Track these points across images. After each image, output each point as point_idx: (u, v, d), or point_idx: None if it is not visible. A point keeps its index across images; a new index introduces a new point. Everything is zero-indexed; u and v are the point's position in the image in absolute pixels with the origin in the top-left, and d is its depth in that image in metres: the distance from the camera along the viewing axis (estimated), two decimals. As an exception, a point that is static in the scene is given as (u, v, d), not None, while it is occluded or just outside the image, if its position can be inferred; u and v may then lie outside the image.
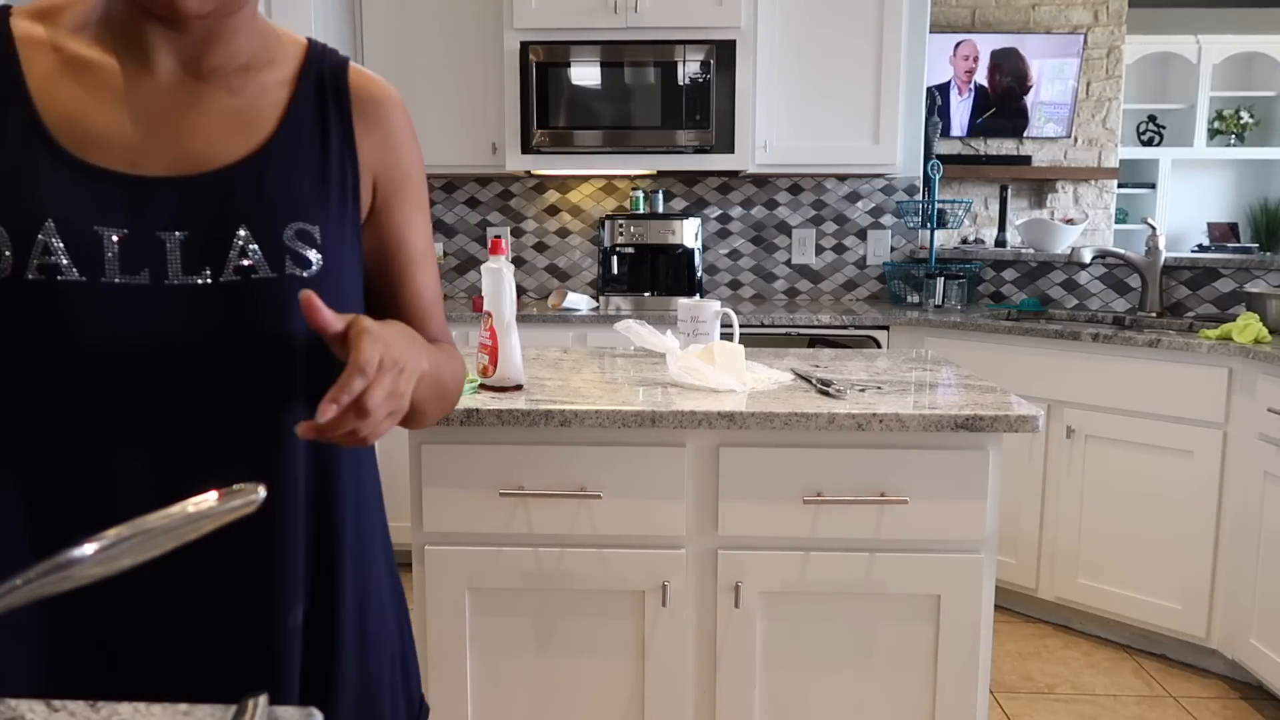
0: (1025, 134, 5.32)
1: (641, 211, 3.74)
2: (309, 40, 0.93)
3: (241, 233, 0.82)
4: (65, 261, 0.76)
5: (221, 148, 0.83)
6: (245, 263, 0.82)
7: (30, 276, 0.75)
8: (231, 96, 0.85)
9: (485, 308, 1.67)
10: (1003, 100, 5.24)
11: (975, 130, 5.32)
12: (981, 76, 5.23)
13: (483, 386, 1.70)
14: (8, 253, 0.75)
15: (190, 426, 0.82)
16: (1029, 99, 5.26)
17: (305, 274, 0.84)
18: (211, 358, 0.82)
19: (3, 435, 0.79)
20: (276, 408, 0.85)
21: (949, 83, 5.22)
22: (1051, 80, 5.25)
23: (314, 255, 0.85)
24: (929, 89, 4.56)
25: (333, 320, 0.77)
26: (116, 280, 0.78)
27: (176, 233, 0.80)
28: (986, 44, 5.22)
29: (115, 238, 0.78)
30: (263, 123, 0.86)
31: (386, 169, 0.93)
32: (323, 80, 0.90)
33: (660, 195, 3.81)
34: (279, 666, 0.88)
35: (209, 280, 0.81)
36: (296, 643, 0.88)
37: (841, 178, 3.90)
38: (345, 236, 0.89)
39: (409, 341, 0.84)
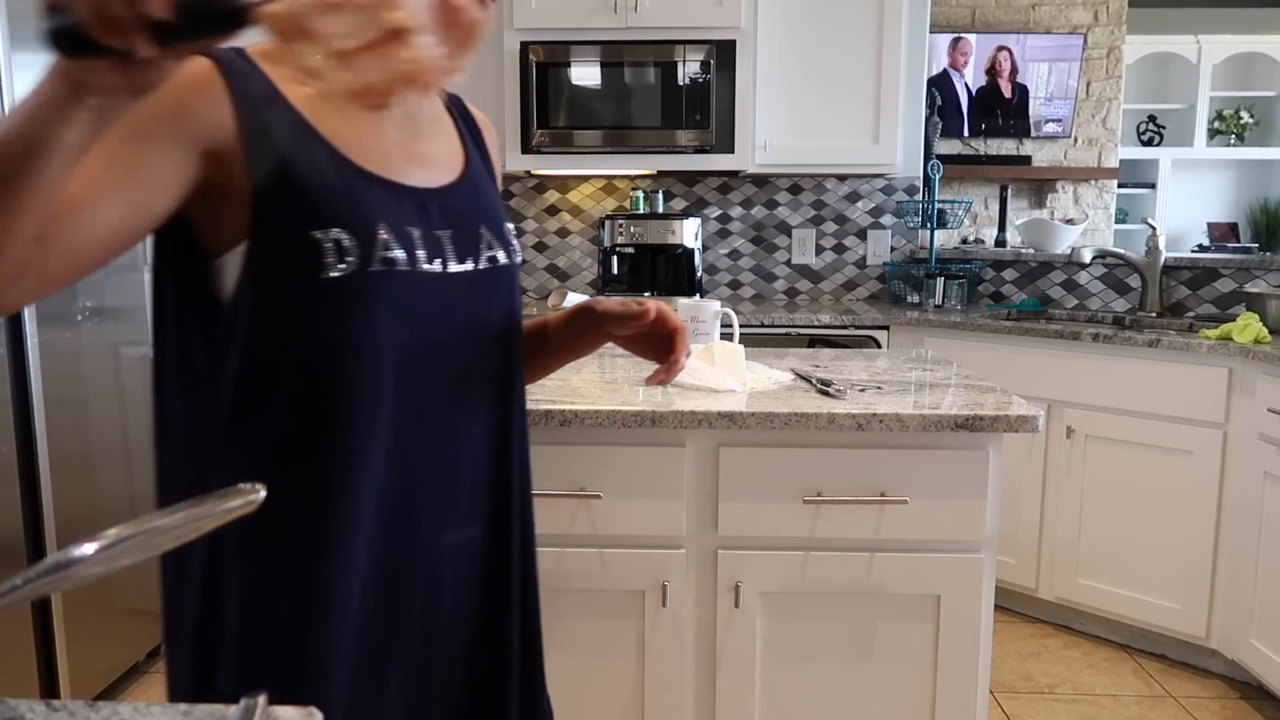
0: (1031, 134, 5.31)
1: (641, 211, 3.74)
2: None
3: (484, 230, 1.00)
4: (401, 254, 0.90)
5: (442, 168, 1.01)
6: (492, 253, 1.01)
7: (374, 269, 0.89)
8: (432, 125, 1.02)
9: (485, 308, 1.67)
10: (994, 95, 5.24)
11: (975, 130, 5.32)
12: (976, 73, 5.23)
13: (483, 386, 1.70)
14: (352, 253, 0.88)
15: (469, 389, 1.00)
16: (1029, 100, 5.25)
17: (519, 262, 1.07)
18: (479, 329, 1.00)
19: (346, 406, 0.90)
20: (513, 365, 1.06)
21: (945, 70, 5.22)
22: (1052, 80, 5.25)
23: (518, 246, 1.07)
24: (929, 87, 4.55)
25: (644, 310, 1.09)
26: (424, 269, 0.93)
27: (447, 231, 0.96)
28: (981, 40, 5.22)
29: (418, 234, 0.93)
30: (455, 147, 1.04)
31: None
32: (454, 111, 1.09)
33: (660, 195, 3.81)
34: (508, 583, 1.07)
35: (473, 267, 0.98)
36: (517, 561, 1.07)
37: (841, 178, 3.90)
38: None
39: None
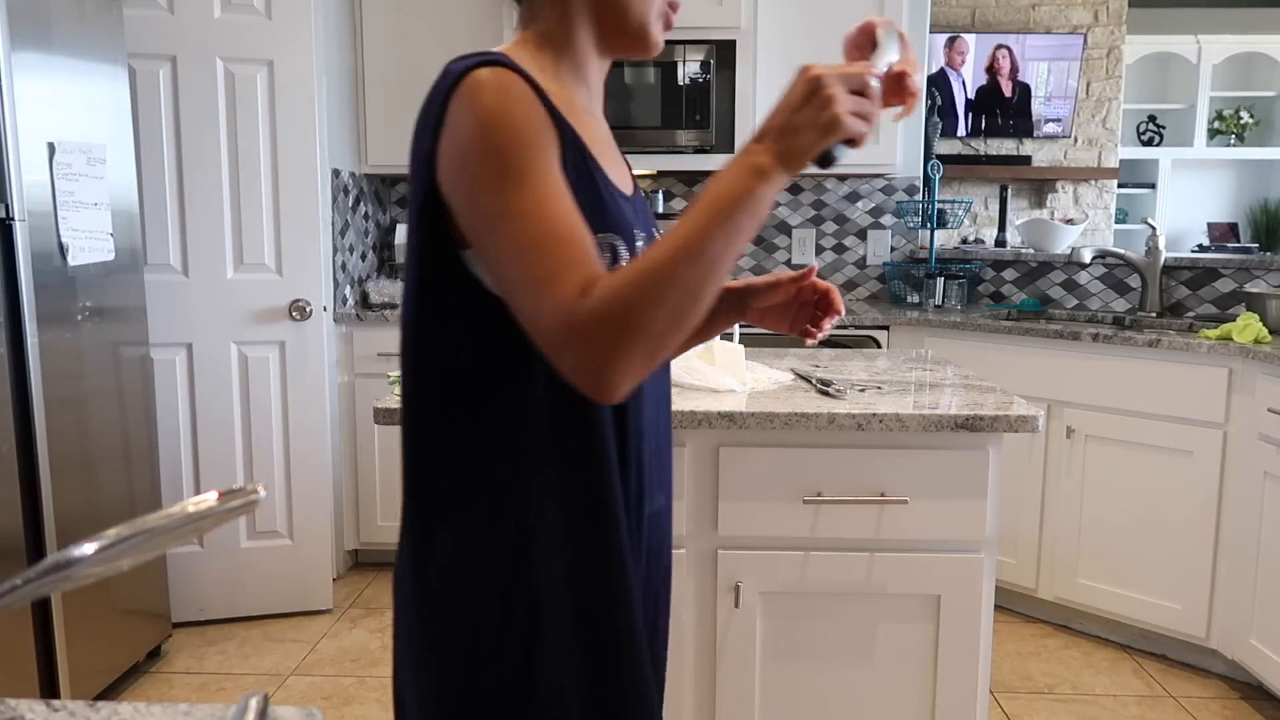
0: (1031, 134, 5.32)
1: (641, 211, 3.73)
2: None
3: (656, 233, 1.13)
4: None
5: (627, 180, 1.15)
6: None
7: None
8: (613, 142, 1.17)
9: (485, 308, 1.67)
10: (994, 95, 5.25)
11: (975, 130, 5.32)
12: (975, 73, 5.23)
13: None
14: (621, 255, 1.01)
15: (655, 374, 1.12)
16: (1030, 100, 5.26)
17: None
18: None
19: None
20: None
21: (942, 70, 5.22)
22: (1052, 80, 5.25)
23: None
24: (928, 86, 4.55)
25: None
26: None
27: (645, 234, 1.09)
28: (981, 40, 5.23)
29: (641, 238, 1.07)
30: (623, 161, 1.19)
31: None
32: None
33: (660, 195, 3.81)
34: (670, 551, 1.19)
35: None
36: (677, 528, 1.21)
37: (841, 178, 3.90)
38: None
39: None
